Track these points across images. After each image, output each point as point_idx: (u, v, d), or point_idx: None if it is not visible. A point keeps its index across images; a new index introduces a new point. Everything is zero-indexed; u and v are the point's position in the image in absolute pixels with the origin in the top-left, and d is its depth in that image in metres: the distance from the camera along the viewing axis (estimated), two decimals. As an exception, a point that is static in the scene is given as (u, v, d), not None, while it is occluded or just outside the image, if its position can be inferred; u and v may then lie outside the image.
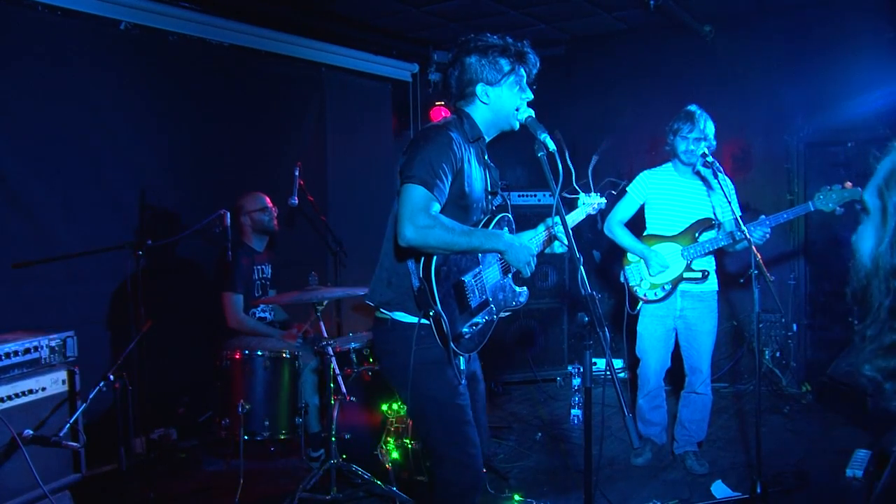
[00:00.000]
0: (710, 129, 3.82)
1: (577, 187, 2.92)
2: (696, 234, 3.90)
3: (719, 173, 3.60)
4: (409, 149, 2.35)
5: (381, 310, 2.44)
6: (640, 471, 4.06)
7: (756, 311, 3.43)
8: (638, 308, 4.04)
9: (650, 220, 4.07)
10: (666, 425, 4.23)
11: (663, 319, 3.98)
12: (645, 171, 4.03)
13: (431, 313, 2.29)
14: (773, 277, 3.49)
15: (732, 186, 3.86)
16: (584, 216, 3.01)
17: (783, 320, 5.55)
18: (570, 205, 2.92)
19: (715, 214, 3.92)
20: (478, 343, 2.52)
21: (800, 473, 3.81)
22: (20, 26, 3.86)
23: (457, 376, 2.40)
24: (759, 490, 3.36)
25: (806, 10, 5.32)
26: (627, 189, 4.06)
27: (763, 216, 3.70)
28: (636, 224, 4.11)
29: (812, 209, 3.60)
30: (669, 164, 4.01)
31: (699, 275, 3.89)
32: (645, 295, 3.99)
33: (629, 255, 4.05)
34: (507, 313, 2.68)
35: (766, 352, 5.57)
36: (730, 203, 3.66)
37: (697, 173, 3.94)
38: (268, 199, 4.47)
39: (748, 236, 3.49)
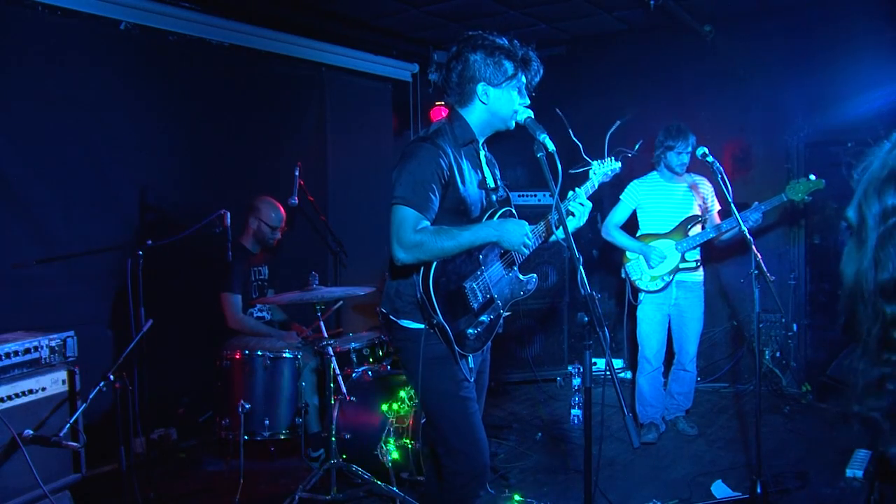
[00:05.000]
0: (693, 138, 4.40)
1: (586, 158, 2.82)
2: (688, 229, 4.41)
3: (720, 172, 3.62)
4: (397, 167, 2.40)
5: (391, 317, 2.52)
6: (640, 471, 4.06)
7: (756, 311, 3.47)
8: (639, 299, 4.54)
9: (643, 222, 4.56)
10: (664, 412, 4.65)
11: (660, 307, 4.49)
12: (634, 181, 4.57)
13: (434, 322, 2.37)
14: (773, 277, 3.51)
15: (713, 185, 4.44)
16: (599, 185, 2.82)
17: (783, 320, 5.54)
18: (583, 177, 2.75)
19: (702, 211, 4.47)
20: (485, 340, 2.58)
21: (800, 473, 3.81)
22: (20, 26, 3.86)
23: (462, 371, 2.48)
24: (759, 490, 3.36)
25: (806, 10, 5.32)
26: (621, 197, 4.56)
27: (756, 202, 4.19)
28: (629, 226, 4.60)
29: (785, 199, 4.24)
30: (655, 173, 4.53)
31: (694, 264, 4.43)
32: (647, 287, 4.46)
33: (628, 253, 4.51)
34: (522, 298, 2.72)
35: (766, 352, 5.57)
36: (729, 195, 3.68)
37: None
38: (284, 220, 4.48)
39: (741, 223, 3.63)
